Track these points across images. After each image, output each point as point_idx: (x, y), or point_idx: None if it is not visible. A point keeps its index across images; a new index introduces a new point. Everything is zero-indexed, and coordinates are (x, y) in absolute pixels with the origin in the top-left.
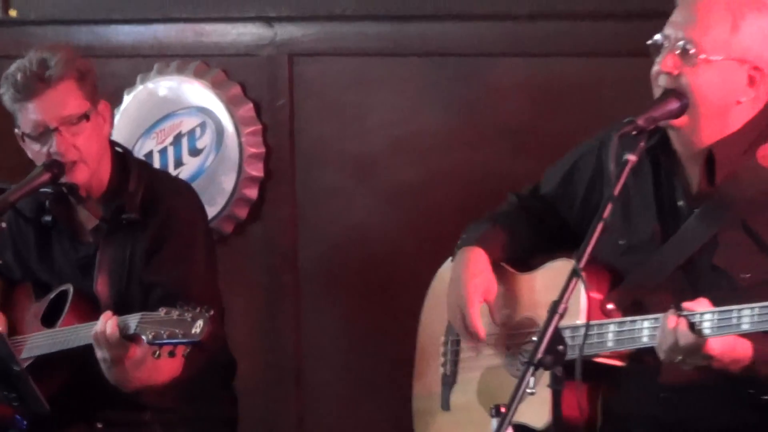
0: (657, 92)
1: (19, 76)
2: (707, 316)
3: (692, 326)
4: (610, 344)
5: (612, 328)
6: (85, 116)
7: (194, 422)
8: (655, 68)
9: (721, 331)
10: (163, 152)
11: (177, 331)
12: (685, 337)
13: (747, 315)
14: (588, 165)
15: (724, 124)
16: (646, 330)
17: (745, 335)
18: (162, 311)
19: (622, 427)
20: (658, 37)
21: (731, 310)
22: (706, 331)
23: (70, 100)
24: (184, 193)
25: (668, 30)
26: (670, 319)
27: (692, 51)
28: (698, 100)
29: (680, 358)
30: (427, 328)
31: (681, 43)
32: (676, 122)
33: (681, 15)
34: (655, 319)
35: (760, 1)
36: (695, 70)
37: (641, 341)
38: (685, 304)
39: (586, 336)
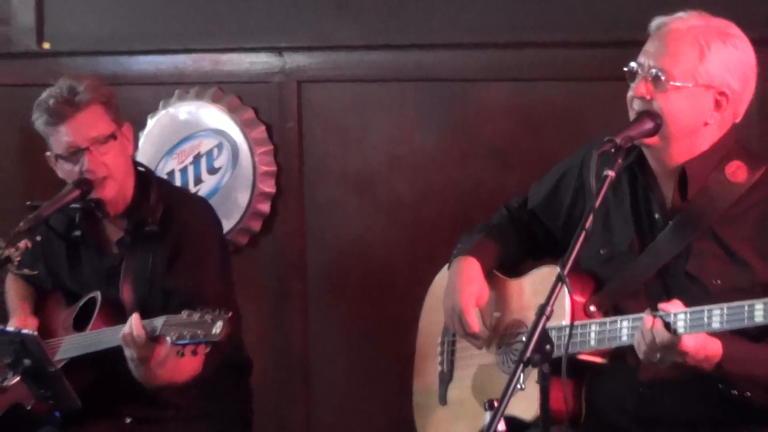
0: (632, 114)
1: (51, 102)
2: (680, 316)
3: (667, 325)
4: (592, 343)
5: (594, 328)
6: (113, 136)
7: (213, 417)
8: (630, 93)
9: (694, 330)
10: (183, 171)
11: (198, 331)
12: (661, 335)
13: (717, 315)
14: (571, 181)
15: (693, 143)
16: (625, 330)
17: (716, 335)
18: (184, 314)
19: (604, 419)
20: (633, 64)
21: (702, 310)
22: (680, 330)
23: (97, 122)
24: (199, 207)
25: (642, 58)
26: (647, 319)
27: (663, 78)
28: (669, 122)
29: (658, 356)
30: (425, 329)
31: (653, 71)
32: (649, 141)
33: (653, 45)
34: (633, 319)
35: (724, 33)
36: (666, 96)
37: (621, 340)
38: (661, 305)
39: (570, 335)
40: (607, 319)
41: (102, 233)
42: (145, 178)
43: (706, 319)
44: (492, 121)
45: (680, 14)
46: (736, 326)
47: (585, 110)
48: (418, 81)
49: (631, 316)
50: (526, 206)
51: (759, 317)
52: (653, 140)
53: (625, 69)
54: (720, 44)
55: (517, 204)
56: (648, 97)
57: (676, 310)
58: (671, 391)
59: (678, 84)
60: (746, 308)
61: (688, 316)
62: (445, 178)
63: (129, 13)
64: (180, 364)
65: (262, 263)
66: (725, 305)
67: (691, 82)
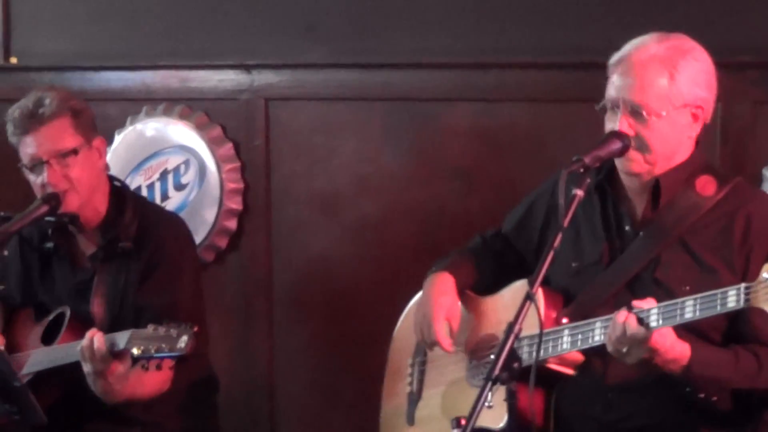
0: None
1: (17, 113)
2: (654, 311)
3: (640, 320)
4: (565, 345)
5: (566, 332)
6: (74, 151)
7: None
8: (610, 126)
9: (667, 322)
10: (150, 187)
11: (163, 345)
12: (633, 329)
13: (689, 305)
14: (542, 206)
15: (674, 158)
16: (598, 329)
17: (684, 339)
18: (150, 328)
19: (570, 427)
20: (605, 101)
21: (675, 303)
22: (653, 324)
23: (61, 135)
24: (174, 225)
25: (614, 92)
26: (621, 313)
27: (643, 113)
28: (657, 150)
29: (625, 349)
30: (397, 353)
31: (630, 107)
32: (637, 170)
33: (622, 80)
34: (606, 319)
35: (683, 50)
36: (649, 127)
37: (594, 339)
38: (635, 302)
39: (539, 345)
40: (581, 323)
41: (75, 247)
42: (120, 193)
43: (679, 311)
44: (456, 141)
45: (635, 43)
46: (709, 314)
47: (548, 131)
48: (385, 100)
49: (604, 317)
50: (500, 233)
51: (732, 302)
52: (641, 168)
53: (597, 108)
54: (683, 62)
55: (492, 233)
56: (632, 133)
57: (648, 306)
58: (638, 395)
59: (657, 114)
60: (719, 295)
61: (661, 310)
62: (410, 199)
63: (97, 29)
64: (142, 381)
65: (228, 280)
66: (698, 296)
67: (667, 108)
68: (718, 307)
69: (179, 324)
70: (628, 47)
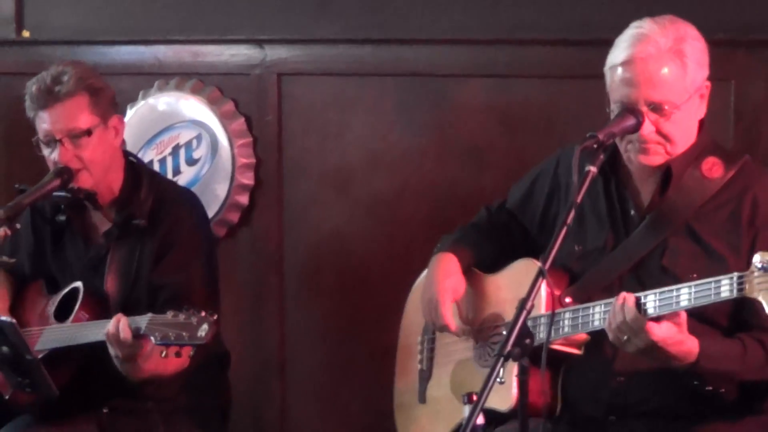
0: (645, 147)
1: (34, 88)
2: (650, 297)
3: (639, 306)
4: (566, 329)
5: (567, 315)
6: (88, 132)
7: (191, 410)
8: (642, 136)
9: (663, 309)
10: (162, 162)
11: (183, 333)
12: (631, 314)
13: (685, 292)
14: (545, 182)
15: (688, 141)
16: (598, 314)
17: (693, 333)
18: (170, 314)
19: (579, 410)
20: (617, 103)
21: (671, 290)
22: (650, 311)
23: (77, 115)
24: (190, 203)
25: (629, 95)
26: (619, 297)
27: (665, 108)
28: (677, 140)
29: (626, 337)
30: (407, 329)
31: (652, 105)
32: (657, 162)
33: (636, 81)
34: (606, 303)
35: (682, 35)
36: (671, 119)
37: (594, 324)
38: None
39: (551, 324)
40: (580, 306)
41: (89, 222)
42: (136, 170)
43: (674, 298)
44: (469, 118)
45: (633, 39)
46: (704, 302)
47: (561, 108)
48: (398, 76)
49: (603, 301)
50: (505, 207)
51: (725, 291)
52: (662, 160)
53: (608, 111)
54: (688, 47)
55: (497, 205)
56: (655, 130)
57: (647, 291)
58: (646, 382)
59: (678, 106)
60: (713, 284)
61: (658, 296)
62: (422, 176)
63: (110, 3)
64: (165, 360)
65: (240, 255)
66: (692, 283)
67: (685, 96)
68: (712, 296)
69: (199, 311)
70: (626, 45)
